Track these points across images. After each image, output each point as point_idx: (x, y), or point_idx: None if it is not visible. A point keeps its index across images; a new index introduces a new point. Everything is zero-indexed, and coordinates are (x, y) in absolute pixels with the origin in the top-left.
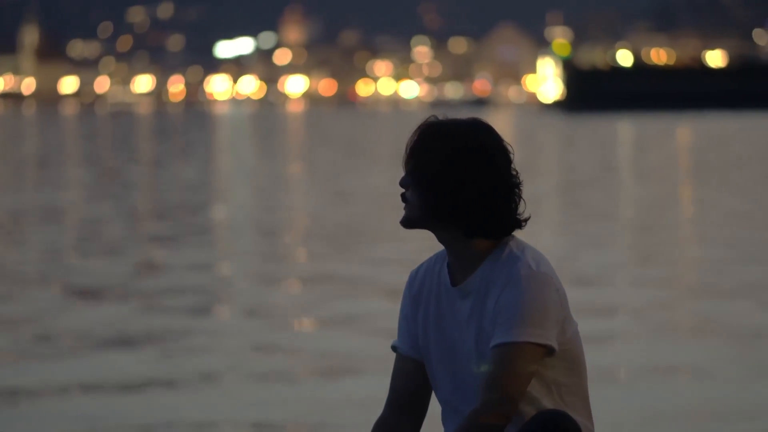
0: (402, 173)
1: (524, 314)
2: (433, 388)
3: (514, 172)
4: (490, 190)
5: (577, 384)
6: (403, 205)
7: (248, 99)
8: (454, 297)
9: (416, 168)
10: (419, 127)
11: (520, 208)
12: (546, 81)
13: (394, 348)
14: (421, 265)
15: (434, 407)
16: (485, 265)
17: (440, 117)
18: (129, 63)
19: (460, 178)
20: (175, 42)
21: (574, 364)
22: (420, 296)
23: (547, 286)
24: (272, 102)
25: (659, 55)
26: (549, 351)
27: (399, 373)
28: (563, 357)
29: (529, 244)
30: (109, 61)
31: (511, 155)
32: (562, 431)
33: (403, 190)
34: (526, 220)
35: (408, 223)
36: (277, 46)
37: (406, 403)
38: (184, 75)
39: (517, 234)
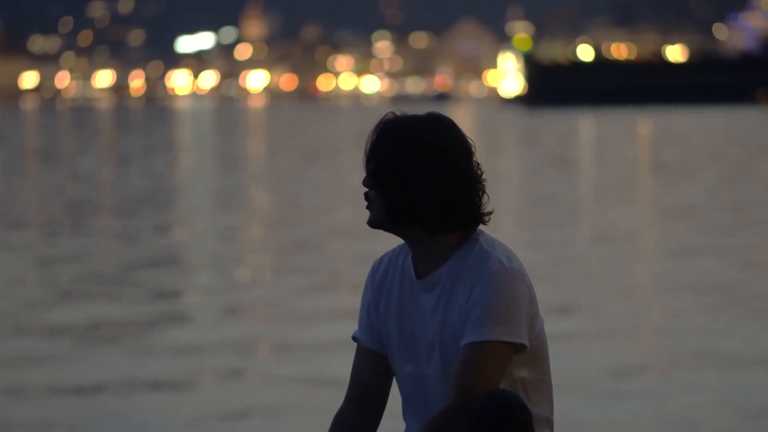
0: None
1: (497, 312)
2: (396, 380)
3: (475, 166)
4: (447, 184)
5: (542, 380)
6: (366, 204)
7: (209, 94)
8: (419, 290)
9: (374, 168)
10: (376, 126)
11: (483, 202)
12: (507, 76)
13: (354, 339)
14: (385, 255)
15: (394, 399)
16: (454, 259)
17: (398, 113)
18: (89, 58)
19: (414, 174)
20: (135, 37)
21: (540, 360)
22: (382, 287)
23: (519, 282)
24: (233, 97)
25: (620, 50)
26: (519, 348)
27: (359, 365)
28: (530, 353)
29: (498, 239)
30: (69, 56)
31: (472, 148)
32: (509, 408)
33: (366, 190)
34: (488, 215)
35: (372, 224)
36: (238, 41)
37: (366, 395)
38: (144, 70)
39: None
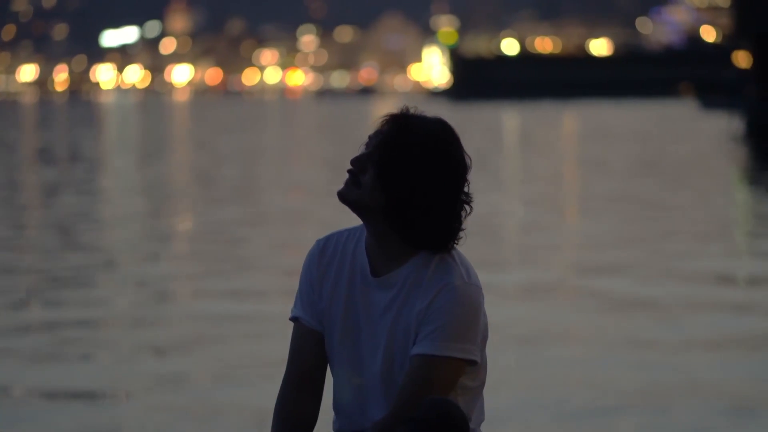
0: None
1: (454, 328)
2: (330, 368)
3: (467, 188)
4: (449, 203)
5: (479, 388)
6: (347, 177)
7: (134, 88)
8: (371, 286)
9: (380, 161)
10: (390, 118)
11: (464, 225)
12: (432, 69)
13: (295, 318)
14: (331, 235)
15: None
16: (413, 262)
17: (411, 110)
18: (13, 52)
19: (420, 185)
20: (59, 31)
21: (481, 369)
22: (329, 270)
23: (479, 299)
24: (158, 91)
25: (544, 44)
26: (471, 364)
27: (299, 346)
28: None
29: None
30: None
31: (470, 169)
32: (449, 417)
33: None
34: (462, 232)
35: (348, 202)
36: (163, 35)
37: (308, 378)
38: (68, 64)
39: None
